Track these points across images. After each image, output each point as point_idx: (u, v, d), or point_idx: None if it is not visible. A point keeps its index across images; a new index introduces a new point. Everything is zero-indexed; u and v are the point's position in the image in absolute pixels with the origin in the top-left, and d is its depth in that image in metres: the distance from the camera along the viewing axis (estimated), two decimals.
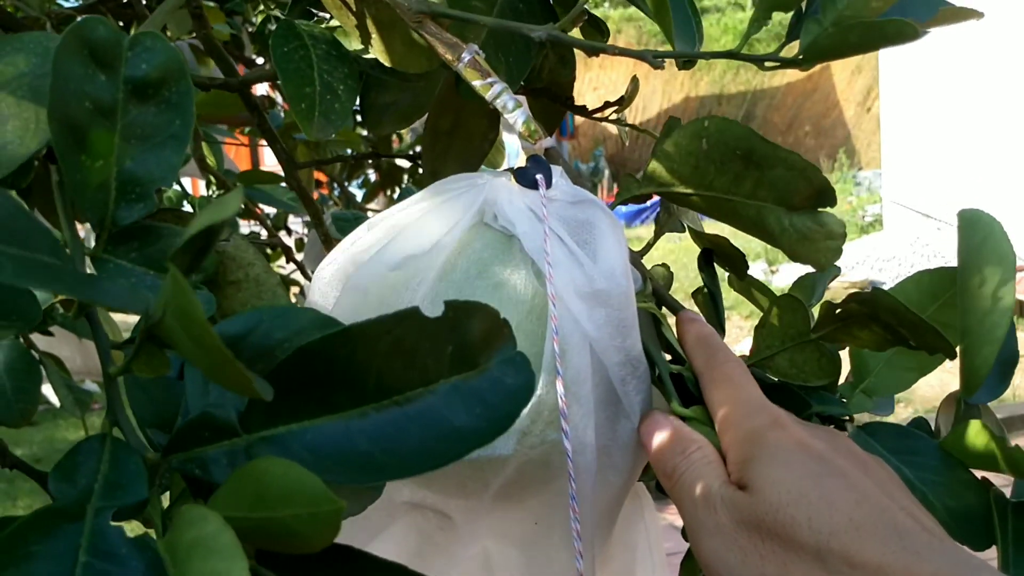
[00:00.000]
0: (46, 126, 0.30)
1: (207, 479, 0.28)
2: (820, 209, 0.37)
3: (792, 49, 0.38)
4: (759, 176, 0.37)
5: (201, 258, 0.25)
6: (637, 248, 0.45)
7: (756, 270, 5.18)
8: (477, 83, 0.40)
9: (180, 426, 0.28)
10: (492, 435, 0.28)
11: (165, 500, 0.31)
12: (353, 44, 0.45)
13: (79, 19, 0.31)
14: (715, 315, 0.47)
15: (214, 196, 0.99)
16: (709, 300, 0.47)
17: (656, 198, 0.45)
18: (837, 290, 4.58)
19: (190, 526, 0.24)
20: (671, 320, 0.43)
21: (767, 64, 0.37)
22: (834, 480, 0.31)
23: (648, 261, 0.46)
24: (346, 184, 1.39)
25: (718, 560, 0.31)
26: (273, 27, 0.44)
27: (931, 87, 5.26)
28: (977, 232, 0.40)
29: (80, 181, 0.30)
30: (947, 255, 4.89)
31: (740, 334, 3.64)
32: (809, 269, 0.49)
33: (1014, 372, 0.42)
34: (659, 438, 0.36)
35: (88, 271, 0.31)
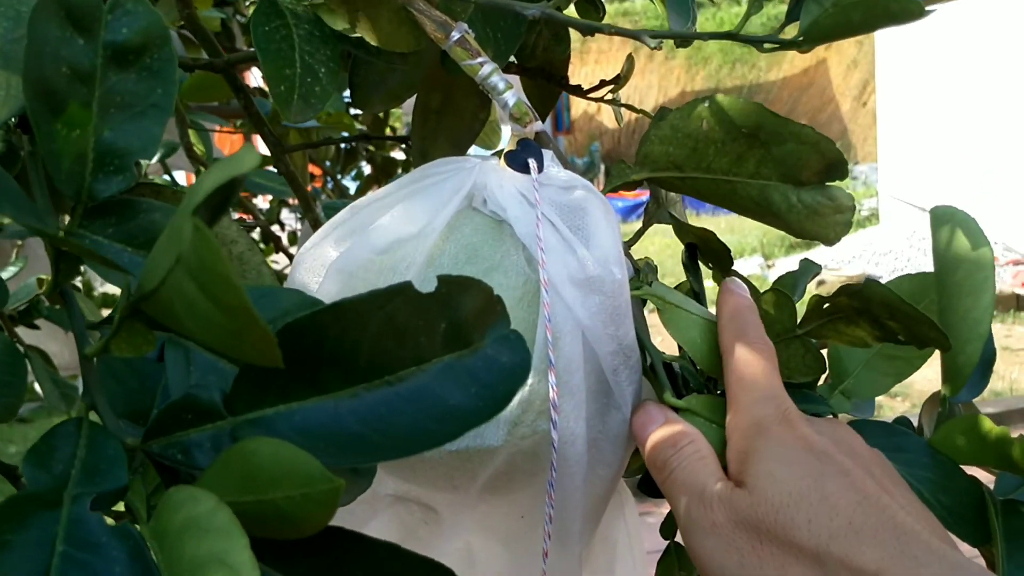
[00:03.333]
0: (18, 93, 0.29)
1: (189, 464, 0.27)
2: (828, 183, 0.36)
3: (792, 31, 0.37)
4: (764, 154, 0.36)
5: (220, 214, 0.24)
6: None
7: (752, 264, 5.17)
8: (466, 63, 0.39)
9: (161, 409, 0.28)
10: (488, 414, 0.27)
11: None
12: (337, 22, 0.44)
13: None
14: None
15: None
16: (692, 296, 0.46)
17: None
18: (833, 284, 4.58)
19: (179, 508, 0.23)
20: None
21: (766, 46, 0.36)
22: (835, 480, 0.30)
23: (640, 251, 0.45)
24: (339, 177, 1.38)
25: (714, 560, 0.31)
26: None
27: (927, 81, 5.26)
28: (951, 228, 0.40)
29: (55, 151, 0.29)
30: None
31: None
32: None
33: (992, 369, 0.43)
34: (651, 430, 0.36)
35: None
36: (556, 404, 0.35)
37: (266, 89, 1.47)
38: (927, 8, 0.31)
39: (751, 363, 0.35)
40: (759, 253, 5.46)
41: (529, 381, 0.35)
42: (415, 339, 0.27)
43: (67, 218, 0.32)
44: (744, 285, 0.40)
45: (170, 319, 0.24)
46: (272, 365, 0.23)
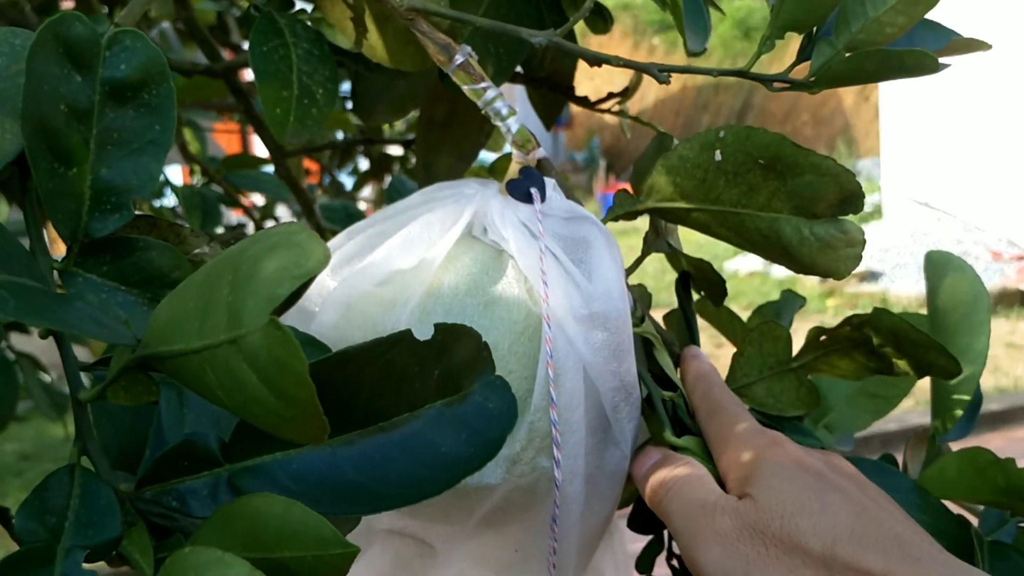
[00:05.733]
0: (14, 135, 0.29)
1: (185, 513, 0.27)
2: (841, 216, 0.36)
3: (803, 71, 0.36)
4: (778, 186, 0.35)
5: (290, 305, 0.24)
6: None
7: (755, 261, 5.16)
8: (469, 88, 0.38)
9: (157, 456, 0.27)
10: (481, 461, 0.27)
11: None
12: (338, 38, 0.43)
13: (56, 15, 0.29)
14: (689, 340, 0.46)
15: (198, 184, 0.97)
16: (683, 324, 0.45)
17: None
18: (835, 281, 4.58)
19: (202, 570, 0.22)
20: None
21: (775, 85, 0.36)
22: (833, 494, 0.31)
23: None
24: (335, 173, 1.37)
25: (719, 570, 0.31)
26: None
27: (930, 77, 5.24)
28: (948, 273, 0.41)
29: (52, 190, 0.29)
30: (946, 245, 4.89)
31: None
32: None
33: (979, 413, 0.43)
34: (649, 463, 0.36)
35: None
36: (559, 442, 0.34)
37: None
38: (941, 61, 0.30)
39: (726, 411, 0.36)
40: None
41: (529, 419, 0.34)
42: (411, 386, 0.27)
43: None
44: (703, 352, 0.41)
45: (194, 384, 0.23)
46: (315, 444, 0.23)
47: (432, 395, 0.27)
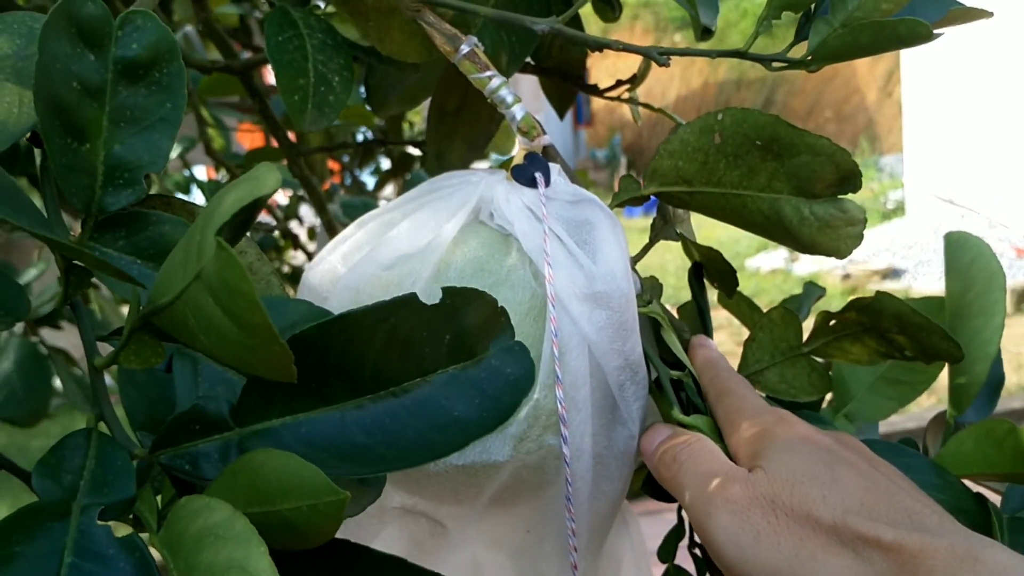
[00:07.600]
0: (30, 109, 0.30)
1: (197, 475, 0.28)
2: (840, 196, 0.36)
3: (801, 49, 0.36)
4: (776, 167, 0.36)
5: (242, 233, 0.24)
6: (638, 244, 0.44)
7: (777, 258, 5.12)
8: (475, 76, 0.39)
9: (169, 420, 0.28)
10: (493, 425, 0.27)
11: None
12: (349, 31, 0.44)
13: None
14: (703, 331, 0.46)
15: (224, 181, 0.98)
16: (697, 315, 0.46)
17: None
18: (859, 277, 4.53)
19: (194, 517, 0.23)
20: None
21: (774, 65, 0.36)
22: (844, 467, 0.32)
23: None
24: (357, 172, 1.39)
25: (730, 539, 0.31)
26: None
27: (953, 72, 5.17)
28: (966, 253, 0.41)
29: (66, 165, 0.30)
30: None
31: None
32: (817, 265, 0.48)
33: (1000, 392, 0.43)
34: (658, 439, 0.36)
35: None
36: (565, 419, 0.35)
37: None
38: (935, 32, 0.30)
39: (735, 393, 0.37)
40: (783, 247, 5.41)
41: (535, 395, 0.35)
42: (420, 350, 0.27)
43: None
44: (711, 341, 0.42)
45: (183, 333, 0.24)
46: (287, 380, 0.23)
47: (444, 360, 0.27)
